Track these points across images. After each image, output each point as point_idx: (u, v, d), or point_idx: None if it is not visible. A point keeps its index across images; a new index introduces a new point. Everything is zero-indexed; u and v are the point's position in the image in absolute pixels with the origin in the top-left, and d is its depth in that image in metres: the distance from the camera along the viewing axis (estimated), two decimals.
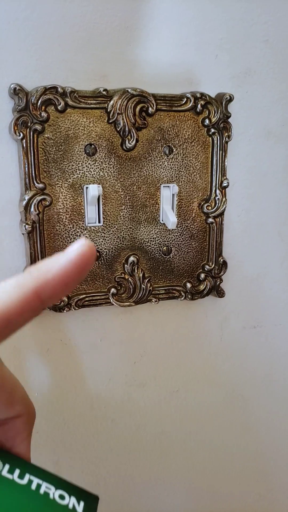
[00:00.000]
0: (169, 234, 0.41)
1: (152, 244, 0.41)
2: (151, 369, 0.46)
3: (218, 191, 0.41)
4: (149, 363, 0.45)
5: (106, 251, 0.40)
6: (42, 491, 0.23)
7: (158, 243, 0.41)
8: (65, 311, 0.39)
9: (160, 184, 0.40)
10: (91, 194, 0.37)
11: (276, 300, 0.48)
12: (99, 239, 0.40)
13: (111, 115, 0.37)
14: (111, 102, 0.37)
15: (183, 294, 0.43)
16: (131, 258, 0.41)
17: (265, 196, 0.45)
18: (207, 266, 0.43)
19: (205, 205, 0.41)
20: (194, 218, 0.42)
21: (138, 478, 0.49)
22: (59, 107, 0.36)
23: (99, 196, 0.38)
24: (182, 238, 0.42)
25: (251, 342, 0.49)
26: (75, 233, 0.39)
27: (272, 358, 0.50)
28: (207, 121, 0.40)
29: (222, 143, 0.40)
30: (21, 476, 0.23)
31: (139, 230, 0.41)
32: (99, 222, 0.39)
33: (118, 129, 0.38)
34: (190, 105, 0.39)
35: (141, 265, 0.41)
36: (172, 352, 0.46)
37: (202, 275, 0.43)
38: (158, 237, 0.41)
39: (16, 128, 0.35)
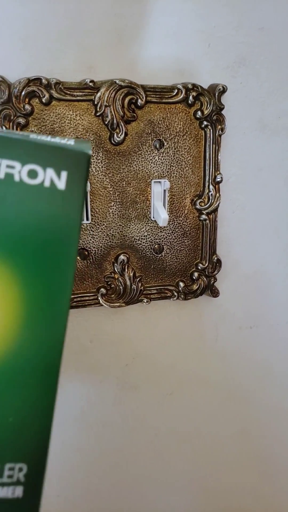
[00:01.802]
0: (160, 231, 0.40)
1: (143, 242, 0.40)
2: (144, 372, 0.44)
3: (211, 187, 0.40)
4: (141, 365, 0.44)
5: (95, 250, 0.39)
6: (2, 174, 0.16)
7: (149, 241, 0.40)
8: None
9: (151, 180, 0.38)
10: None
11: (272, 299, 0.47)
12: (87, 237, 0.38)
13: (98, 107, 0.35)
14: (98, 94, 0.35)
15: (175, 294, 0.41)
16: (121, 257, 0.39)
17: (261, 192, 0.43)
18: (200, 265, 0.41)
19: (198, 201, 0.40)
20: (186, 215, 0.40)
21: (131, 483, 0.48)
22: (43, 100, 0.34)
23: (86, 193, 0.37)
24: (174, 236, 0.40)
25: (248, 343, 0.47)
26: None
27: (269, 359, 0.49)
28: (199, 113, 0.38)
29: (215, 136, 0.39)
30: None
31: (129, 227, 0.39)
32: (87, 219, 0.38)
33: (106, 122, 0.36)
34: (182, 96, 0.37)
35: (131, 264, 0.40)
36: (165, 354, 0.44)
37: (196, 274, 0.41)
38: (149, 234, 0.40)
39: None
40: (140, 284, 0.40)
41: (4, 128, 0.34)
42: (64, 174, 0.17)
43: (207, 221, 0.40)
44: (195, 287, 0.42)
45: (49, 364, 0.17)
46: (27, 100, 0.34)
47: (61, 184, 0.17)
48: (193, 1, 0.37)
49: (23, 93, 0.33)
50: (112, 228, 0.39)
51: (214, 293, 0.42)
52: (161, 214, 0.37)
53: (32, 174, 0.16)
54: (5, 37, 0.34)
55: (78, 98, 0.35)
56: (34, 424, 0.17)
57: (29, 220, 0.16)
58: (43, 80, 0.34)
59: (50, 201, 0.17)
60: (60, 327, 0.17)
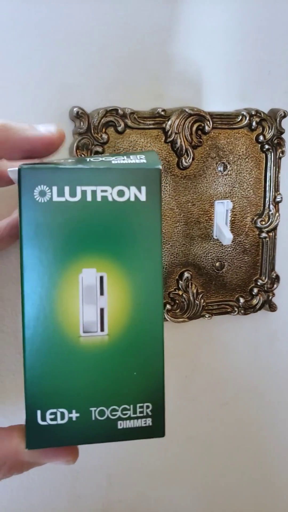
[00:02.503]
0: (222, 249, 0.42)
1: (205, 260, 0.42)
2: (202, 383, 0.46)
3: (271, 206, 0.41)
4: (200, 377, 0.46)
5: None
6: (99, 197, 0.21)
7: (211, 258, 0.42)
8: None
9: (214, 200, 0.40)
10: None
11: None
12: None
13: (168, 134, 0.37)
14: (169, 122, 0.37)
15: (236, 309, 0.43)
16: (186, 274, 0.41)
17: None
18: (260, 281, 0.43)
19: (259, 220, 0.42)
20: (247, 233, 0.42)
21: (187, 490, 0.49)
22: (119, 129, 0.36)
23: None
24: (235, 253, 0.42)
25: None
26: None
27: None
28: (261, 137, 0.40)
29: (276, 159, 0.41)
30: (72, 193, 0.21)
31: (192, 246, 0.41)
32: None
33: (175, 149, 0.38)
34: (245, 122, 0.39)
35: (194, 281, 0.42)
36: (222, 366, 0.46)
37: (255, 290, 0.43)
38: (211, 252, 0.42)
39: (78, 151, 0.36)
40: (202, 300, 0.42)
41: (83, 155, 0.36)
42: (143, 189, 0.22)
43: (267, 239, 0.42)
44: (254, 302, 0.43)
45: (156, 329, 0.23)
46: (104, 129, 0.36)
47: (142, 197, 0.22)
48: (255, 32, 0.39)
49: (100, 123, 0.36)
50: (177, 247, 0.41)
51: (272, 307, 0.44)
52: (225, 234, 0.39)
53: (121, 193, 0.22)
54: (82, 71, 0.36)
55: (150, 126, 0.37)
56: (152, 374, 0.23)
57: (125, 228, 0.22)
58: (119, 110, 0.36)
59: (137, 211, 0.22)
60: (158, 303, 0.23)
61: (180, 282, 0.41)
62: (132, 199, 0.22)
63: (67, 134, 0.37)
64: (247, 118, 0.39)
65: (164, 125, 0.37)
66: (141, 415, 0.23)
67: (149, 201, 0.22)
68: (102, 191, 0.21)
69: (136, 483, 0.47)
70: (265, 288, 0.43)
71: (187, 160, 0.38)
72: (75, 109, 0.35)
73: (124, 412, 0.23)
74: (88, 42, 0.36)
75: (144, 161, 0.22)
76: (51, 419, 0.22)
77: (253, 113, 0.39)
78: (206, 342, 0.45)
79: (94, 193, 0.21)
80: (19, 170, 0.21)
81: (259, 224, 0.42)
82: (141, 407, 0.23)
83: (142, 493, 0.48)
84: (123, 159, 0.23)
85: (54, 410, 0.22)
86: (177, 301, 0.41)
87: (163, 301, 0.23)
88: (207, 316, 0.42)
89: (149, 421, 0.24)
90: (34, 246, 0.21)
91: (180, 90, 0.39)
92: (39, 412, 0.22)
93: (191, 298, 0.41)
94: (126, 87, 0.37)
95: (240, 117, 0.39)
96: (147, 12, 0.37)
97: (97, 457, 0.45)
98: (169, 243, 0.40)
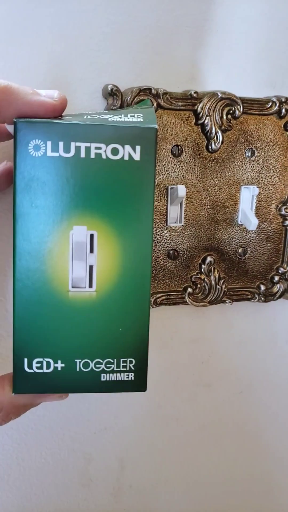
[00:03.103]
0: (245, 235, 0.42)
1: (229, 245, 0.42)
2: (218, 370, 0.46)
3: None
4: (216, 364, 0.46)
5: (184, 251, 0.41)
6: (93, 154, 0.21)
7: (234, 244, 0.42)
8: None
9: (241, 186, 0.41)
10: (179, 195, 0.37)
11: None
12: (179, 239, 0.40)
13: (199, 117, 0.38)
14: (201, 104, 0.37)
15: (256, 296, 0.43)
16: (209, 259, 0.41)
17: None
18: (281, 269, 0.43)
19: (283, 207, 0.42)
20: (271, 220, 0.42)
21: (199, 476, 0.49)
22: None
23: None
24: (258, 240, 0.42)
25: None
26: (155, 232, 0.39)
27: None
28: None
29: None
30: (66, 148, 0.21)
31: (217, 230, 0.41)
32: (180, 222, 0.40)
33: (205, 131, 0.38)
34: (275, 109, 0.39)
35: (217, 266, 0.42)
36: (238, 354, 0.46)
37: (276, 278, 0.43)
38: (235, 238, 0.42)
39: None
40: (224, 286, 0.42)
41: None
42: (138, 148, 0.22)
43: None
44: (275, 290, 0.43)
45: (143, 290, 0.24)
46: None
47: (136, 156, 0.22)
48: (285, 19, 0.39)
49: (133, 101, 0.36)
50: (201, 230, 0.41)
51: None
52: (251, 219, 0.39)
53: (115, 151, 0.21)
54: (118, 50, 0.36)
55: (182, 107, 0.37)
56: (136, 331, 0.24)
57: (116, 187, 0.22)
58: (153, 90, 0.36)
59: (130, 170, 0.22)
60: (147, 264, 0.23)
61: (203, 266, 0.41)
62: (126, 158, 0.22)
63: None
64: (277, 105, 0.39)
65: (195, 107, 0.37)
66: (124, 369, 0.24)
67: (143, 161, 0.22)
68: (96, 148, 0.21)
69: (148, 468, 0.47)
70: (286, 276, 0.43)
71: (216, 143, 0.38)
72: (109, 86, 0.35)
73: (108, 365, 0.24)
74: (124, 23, 0.36)
75: (141, 119, 0.22)
76: (37, 367, 0.23)
77: (283, 100, 0.39)
78: (225, 328, 0.45)
79: (88, 149, 0.21)
80: (15, 124, 0.21)
81: (283, 212, 0.42)
82: (125, 361, 0.24)
83: (153, 479, 0.47)
84: (120, 117, 0.22)
85: (40, 359, 0.23)
86: (199, 285, 0.41)
87: (151, 262, 0.24)
88: (227, 301, 0.42)
89: (131, 376, 0.24)
90: (27, 200, 0.21)
91: (212, 75, 0.39)
92: (26, 360, 0.23)
93: (213, 283, 0.41)
94: (159, 68, 0.38)
95: (270, 103, 0.39)
96: None
97: (109, 441, 0.45)
98: (194, 227, 0.40)
